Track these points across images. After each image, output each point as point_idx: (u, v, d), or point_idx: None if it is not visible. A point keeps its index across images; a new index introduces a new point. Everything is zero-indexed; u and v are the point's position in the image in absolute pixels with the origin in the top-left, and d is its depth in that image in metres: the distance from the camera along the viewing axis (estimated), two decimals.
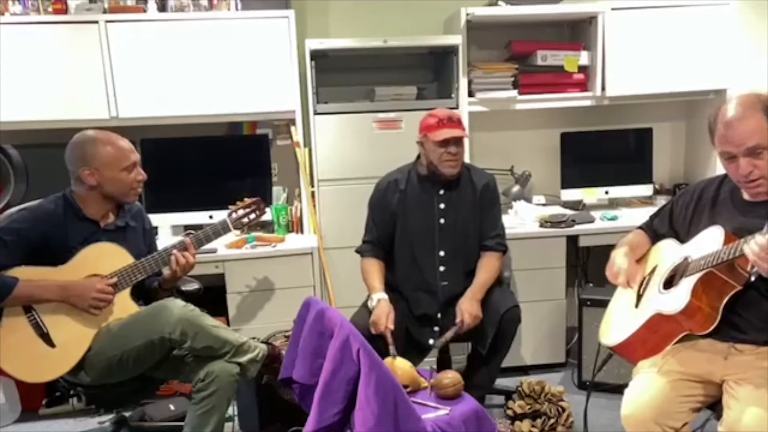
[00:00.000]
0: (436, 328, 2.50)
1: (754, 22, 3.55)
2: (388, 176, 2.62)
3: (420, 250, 2.52)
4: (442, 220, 2.52)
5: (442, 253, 2.51)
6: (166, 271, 2.29)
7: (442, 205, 2.52)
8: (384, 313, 2.33)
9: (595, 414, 2.68)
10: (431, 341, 2.49)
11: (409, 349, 2.47)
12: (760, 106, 1.67)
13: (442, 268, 2.51)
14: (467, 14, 3.08)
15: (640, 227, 2.15)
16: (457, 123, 2.44)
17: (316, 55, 3.01)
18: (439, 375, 2.04)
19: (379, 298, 2.39)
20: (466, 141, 2.53)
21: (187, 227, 3.07)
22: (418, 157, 2.58)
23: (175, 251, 2.25)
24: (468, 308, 2.35)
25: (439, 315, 2.50)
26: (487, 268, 2.48)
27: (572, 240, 3.11)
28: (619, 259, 2.01)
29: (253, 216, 2.49)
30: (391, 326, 2.31)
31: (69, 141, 2.21)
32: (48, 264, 2.11)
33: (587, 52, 3.27)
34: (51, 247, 2.12)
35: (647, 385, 1.79)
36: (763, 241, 1.53)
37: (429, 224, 2.52)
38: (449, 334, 2.34)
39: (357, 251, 2.61)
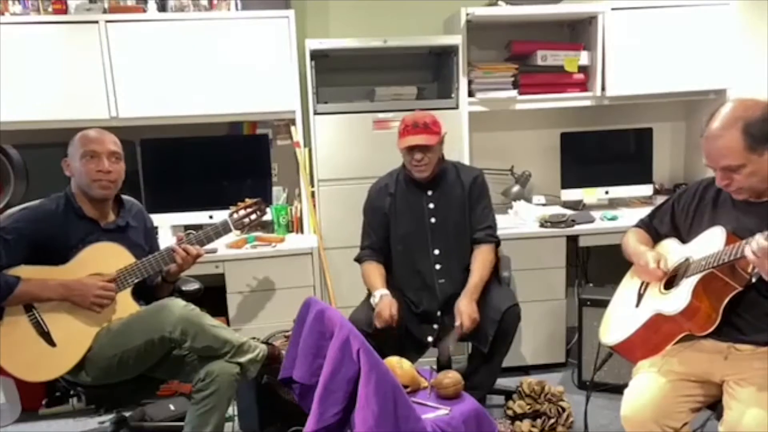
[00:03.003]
0: (436, 326, 2.50)
1: (754, 22, 3.55)
2: (378, 182, 2.66)
3: (415, 251, 2.54)
4: (432, 220, 2.54)
5: (436, 252, 2.53)
6: (173, 267, 2.30)
7: (431, 205, 2.55)
8: (387, 305, 2.35)
9: (595, 414, 2.68)
10: (429, 339, 2.50)
11: (408, 347, 2.48)
12: (740, 124, 1.66)
13: (437, 266, 2.52)
14: (467, 14, 3.08)
15: (638, 225, 2.15)
16: (422, 128, 2.41)
17: (316, 55, 3.01)
18: (439, 375, 2.04)
19: (381, 294, 2.41)
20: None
21: (187, 227, 3.07)
22: None
23: (176, 246, 2.25)
24: (466, 310, 2.33)
25: (439, 313, 2.50)
26: (480, 264, 2.48)
27: (572, 240, 3.11)
28: (642, 251, 1.98)
29: (254, 216, 2.50)
30: (395, 312, 2.33)
31: (68, 141, 2.21)
32: (49, 263, 2.11)
33: (587, 52, 3.27)
34: (52, 246, 2.12)
35: (647, 385, 1.79)
36: (764, 243, 1.53)
37: (420, 224, 2.54)
38: (451, 341, 2.35)
39: (356, 259, 2.63)
